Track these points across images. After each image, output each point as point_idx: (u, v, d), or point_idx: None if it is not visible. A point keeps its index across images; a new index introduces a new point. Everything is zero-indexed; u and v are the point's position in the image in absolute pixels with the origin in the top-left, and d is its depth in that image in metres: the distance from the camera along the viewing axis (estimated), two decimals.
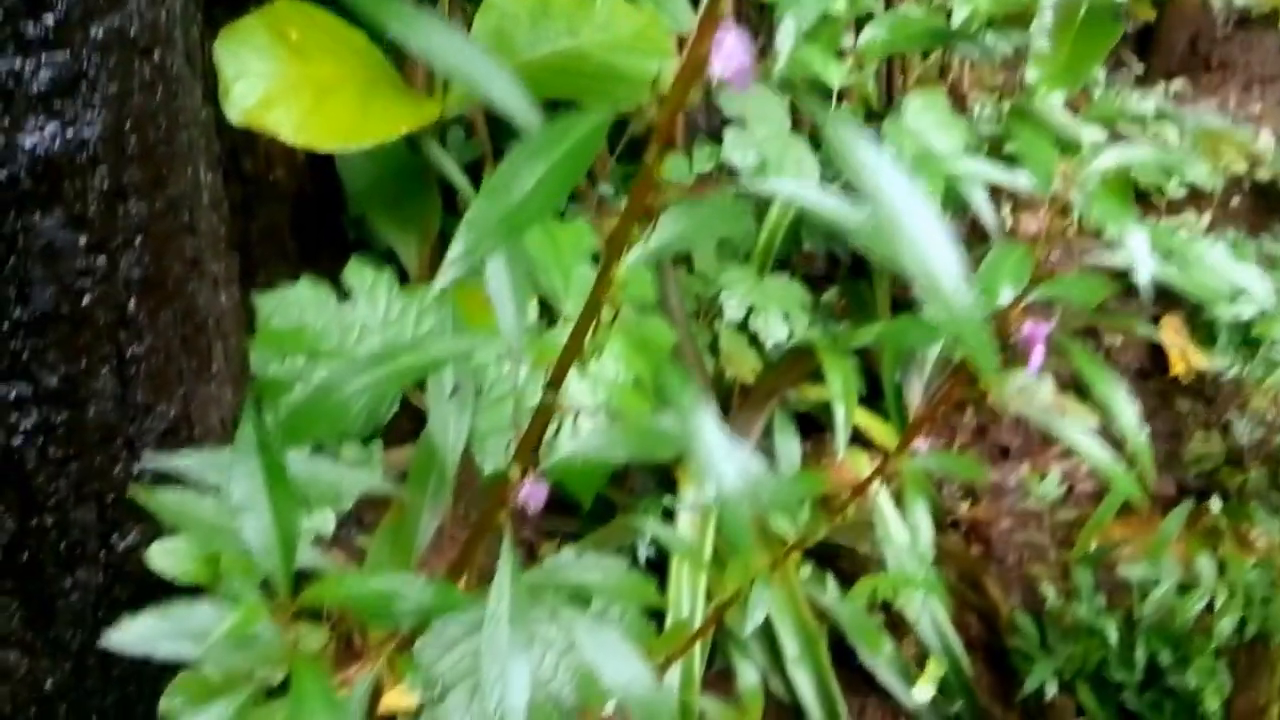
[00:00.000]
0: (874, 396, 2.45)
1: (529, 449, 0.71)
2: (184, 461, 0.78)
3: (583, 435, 0.80)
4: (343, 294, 1.40)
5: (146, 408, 1.31)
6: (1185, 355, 3.26)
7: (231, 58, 1.55)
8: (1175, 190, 3.57)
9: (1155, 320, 3.34)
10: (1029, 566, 2.23)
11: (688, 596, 1.71)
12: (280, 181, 2.07)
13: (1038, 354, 1.13)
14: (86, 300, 1.23)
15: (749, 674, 1.20)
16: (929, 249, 0.55)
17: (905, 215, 0.55)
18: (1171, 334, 3.33)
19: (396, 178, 2.03)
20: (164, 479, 1.32)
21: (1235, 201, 3.94)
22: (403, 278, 2.02)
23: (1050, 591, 2.03)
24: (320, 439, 1.19)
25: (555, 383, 0.67)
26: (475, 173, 2.04)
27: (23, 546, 1.27)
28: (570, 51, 1.93)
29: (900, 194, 0.56)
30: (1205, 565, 1.82)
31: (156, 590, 1.29)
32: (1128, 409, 1.17)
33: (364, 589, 0.64)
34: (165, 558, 1.27)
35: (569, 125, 0.55)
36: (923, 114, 1.94)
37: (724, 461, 0.57)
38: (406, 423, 1.88)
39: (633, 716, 0.78)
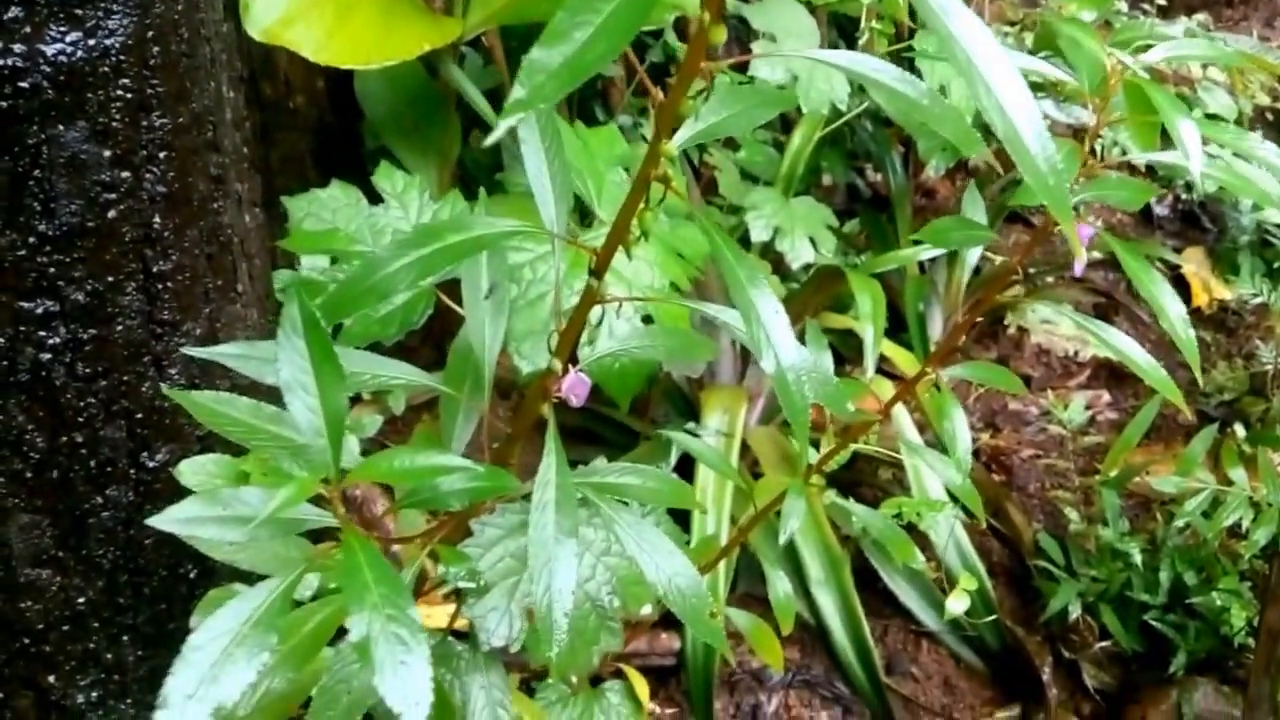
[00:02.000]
0: (896, 330, 2.44)
1: (571, 338, 0.70)
2: (226, 351, 0.77)
3: (621, 335, 0.79)
4: (374, 199, 1.38)
5: (173, 325, 1.30)
6: (1207, 286, 3.24)
7: None
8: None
9: (1176, 253, 3.32)
10: (1051, 493, 2.22)
11: (713, 516, 1.71)
12: (300, 109, 2.05)
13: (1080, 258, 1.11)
14: (112, 215, 1.21)
15: (780, 584, 1.20)
16: (1010, 98, 0.54)
17: (986, 65, 0.54)
18: (1194, 264, 3.30)
19: (415, 104, 2.01)
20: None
21: (1257, 133, 3.87)
22: None
23: (1073, 516, 2.03)
24: (360, 337, 1.18)
25: (600, 269, 0.66)
26: (494, 100, 2.02)
27: (53, 464, 1.27)
28: None
29: (982, 44, 0.54)
30: (1238, 478, 1.81)
31: None
32: (1174, 304, 1.15)
33: (414, 464, 0.63)
34: (196, 474, 1.26)
35: None
36: None
37: (783, 334, 0.56)
38: (430, 352, 1.87)
39: (675, 608, 0.78)
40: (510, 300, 0.80)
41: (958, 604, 1.52)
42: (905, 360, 2.12)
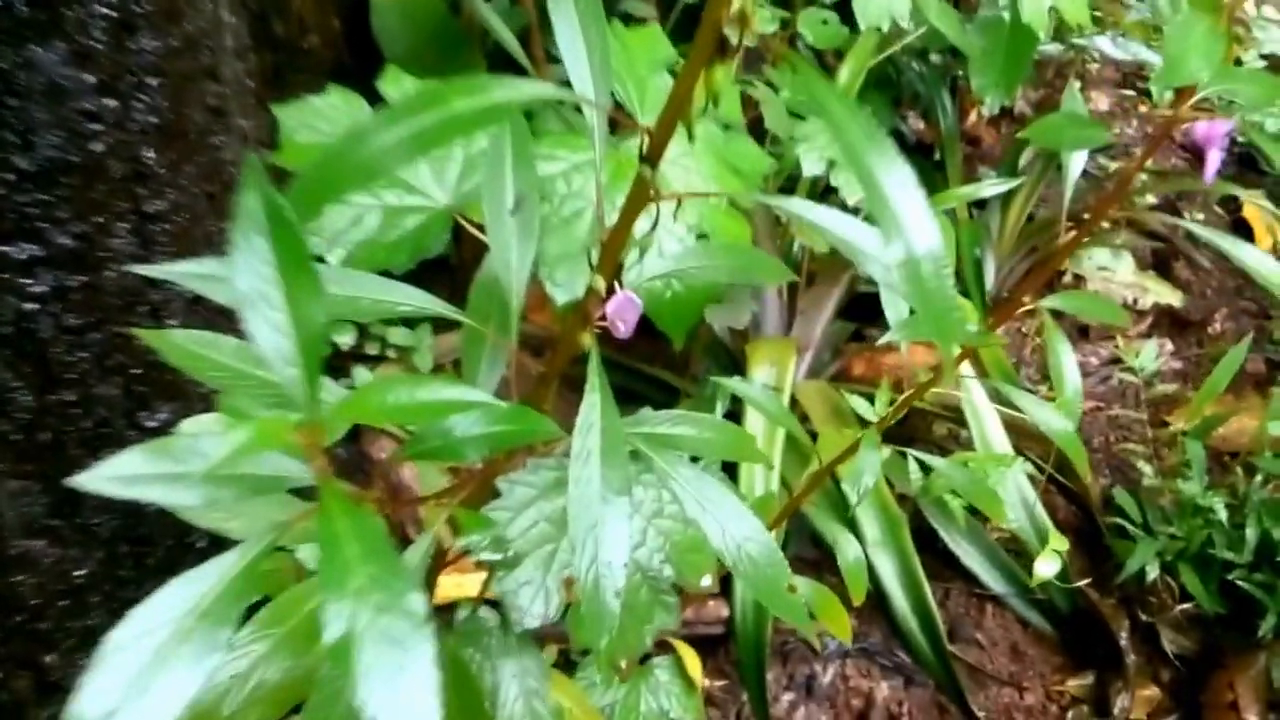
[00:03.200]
0: None
1: (618, 247, 0.57)
2: (186, 269, 0.64)
3: (673, 253, 0.66)
4: (377, 105, 1.24)
5: None
6: (1271, 230, 3.08)
7: None
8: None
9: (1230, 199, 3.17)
10: (1118, 446, 2.08)
11: (762, 477, 1.58)
12: (314, 49, 1.92)
13: (1215, 159, 0.97)
14: (97, 148, 1.09)
15: (850, 547, 1.07)
16: None
17: None
18: (1255, 209, 3.14)
19: (436, 42, 1.87)
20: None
21: None
22: None
23: (1146, 470, 1.89)
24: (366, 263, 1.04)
25: (655, 153, 0.53)
26: (523, 42, 1.89)
27: (42, 426, 1.16)
28: None
29: None
30: None
31: None
32: None
33: (416, 400, 0.49)
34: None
35: None
36: None
37: (916, 211, 0.43)
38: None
39: (746, 580, 0.65)
40: (542, 218, 0.67)
41: (1048, 566, 1.39)
42: (964, 307, 1.98)
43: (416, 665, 0.41)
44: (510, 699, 0.79)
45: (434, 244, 1.05)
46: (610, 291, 0.60)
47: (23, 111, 1.05)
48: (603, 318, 0.61)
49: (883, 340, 0.98)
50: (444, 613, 1.33)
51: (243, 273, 0.46)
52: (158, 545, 1.25)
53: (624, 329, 0.62)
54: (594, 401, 0.57)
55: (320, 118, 1.23)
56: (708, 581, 0.88)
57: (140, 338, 0.80)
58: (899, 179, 0.44)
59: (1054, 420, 1.04)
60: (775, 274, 0.71)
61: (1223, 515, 1.70)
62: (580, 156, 1.09)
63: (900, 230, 0.42)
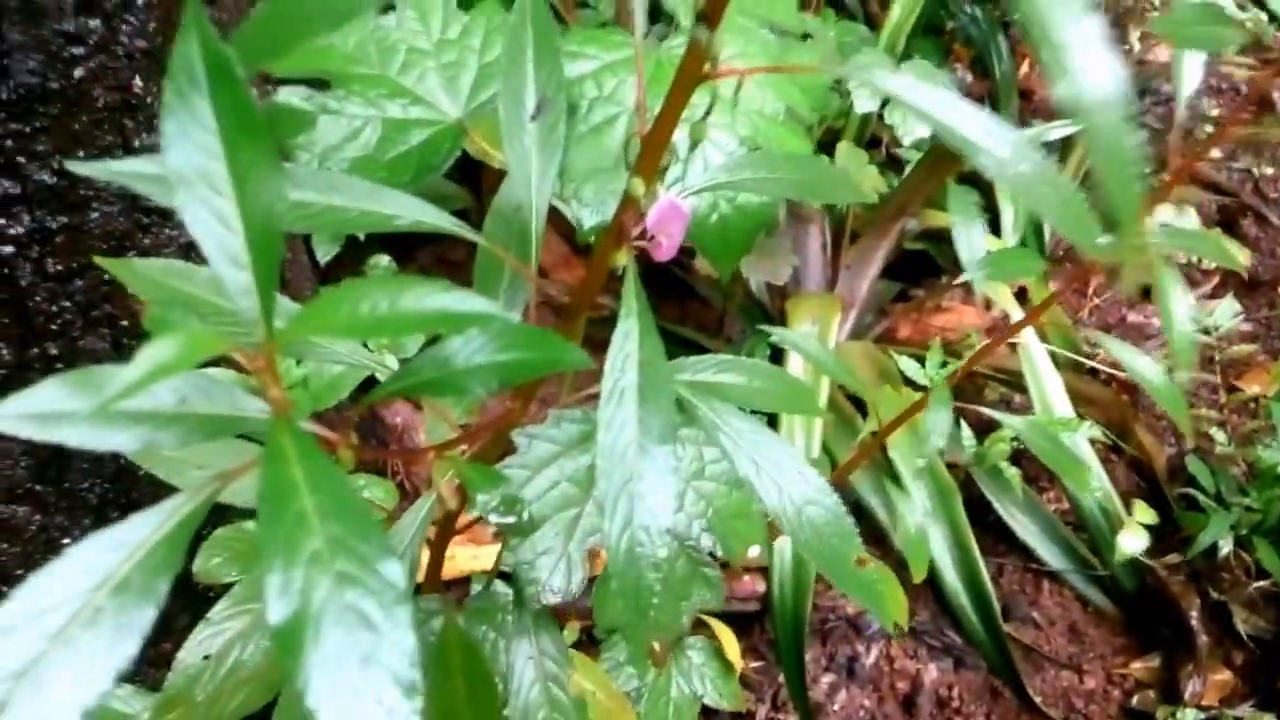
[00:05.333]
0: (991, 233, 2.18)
1: (660, 146, 0.46)
2: (117, 168, 0.53)
3: (719, 165, 0.55)
4: (385, 7, 1.10)
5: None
6: None
7: None
8: None
9: None
10: (1191, 411, 1.95)
11: (803, 441, 1.47)
12: None
13: None
14: (80, 74, 0.99)
15: (912, 516, 0.96)
16: None
17: None
18: None
19: None
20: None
21: None
22: None
23: (1220, 437, 1.76)
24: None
25: (713, 13, 0.41)
26: None
27: (23, 381, 1.05)
28: None
29: None
30: None
31: None
32: None
33: (401, 309, 0.38)
34: None
35: None
36: None
37: (1094, 45, 0.32)
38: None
39: (809, 552, 0.55)
40: (568, 126, 0.56)
41: (1134, 541, 1.27)
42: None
43: (390, 655, 0.31)
44: (525, 684, 0.68)
45: (441, 162, 0.94)
46: (652, 197, 0.49)
47: None
48: (642, 234, 0.50)
49: (960, 280, 0.86)
50: (458, 588, 1.22)
51: (176, 145, 0.35)
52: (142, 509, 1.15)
53: (667, 246, 0.51)
54: (629, 329, 0.46)
55: None
56: (755, 552, 0.77)
57: (105, 267, 0.70)
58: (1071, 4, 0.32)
59: (1150, 371, 0.93)
60: (847, 192, 0.60)
61: None
62: (614, 55, 0.95)
63: (1073, 66, 0.31)
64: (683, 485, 0.74)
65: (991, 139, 0.40)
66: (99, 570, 0.37)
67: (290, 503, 0.34)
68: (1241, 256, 2.59)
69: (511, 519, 0.49)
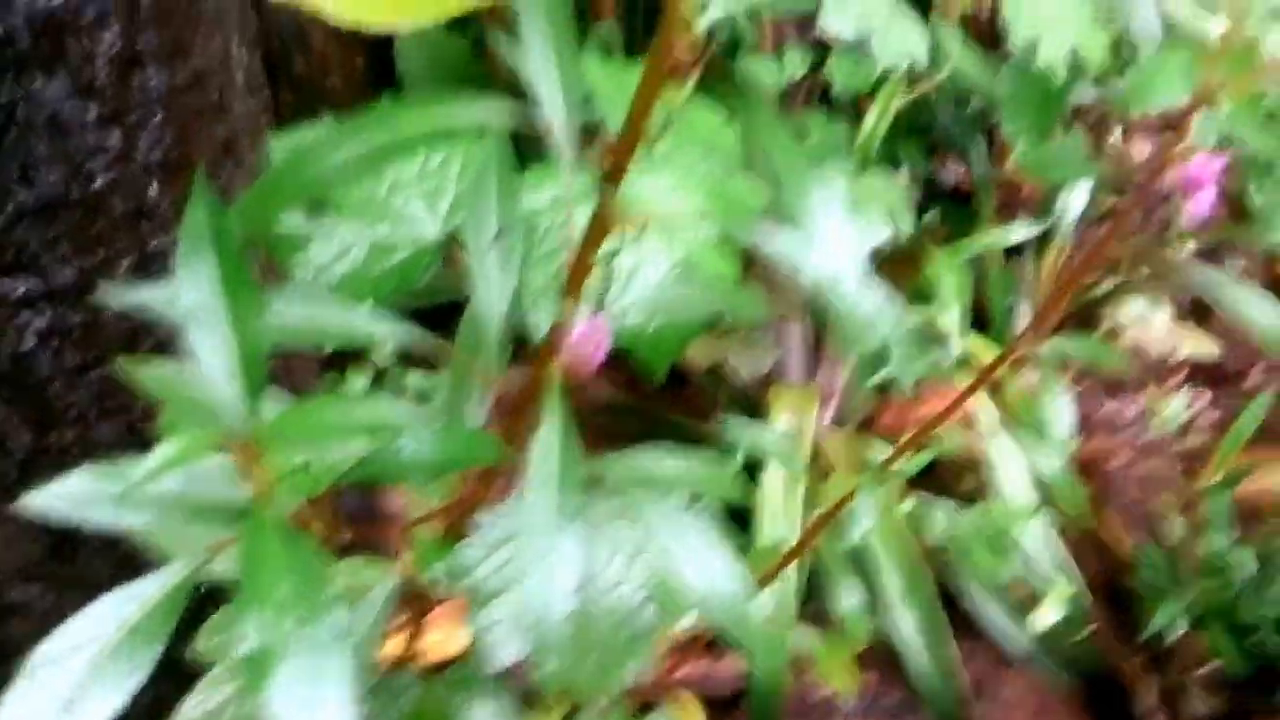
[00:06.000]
0: (979, 329, 2.27)
1: (581, 274, 0.55)
2: (142, 295, 0.63)
3: (655, 283, 0.64)
4: None
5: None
6: None
7: None
8: None
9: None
10: (1152, 500, 2.03)
11: (783, 525, 1.55)
12: (336, 90, 1.93)
13: (1206, 198, 0.94)
14: (100, 184, 1.09)
15: (849, 596, 1.04)
16: None
17: None
18: None
19: (461, 83, 1.88)
20: None
21: None
22: None
23: (1177, 524, 1.83)
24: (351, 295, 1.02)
25: (613, 176, 0.51)
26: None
27: (40, 466, 1.15)
28: None
29: None
30: None
31: None
32: None
33: (355, 419, 0.48)
34: None
35: None
36: None
37: (834, 225, 0.40)
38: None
39: (714, 617, 0.62)
40: (526, 251, 0.66)
41: (1049, 615, 1.35)
42: (991, 356, 1.95)
43: (334, 672, 0.40)
44: None
45: (420, 278, 1.04)
46: (577, 319, 0.58)
47: (24, 145, 1.05)
48: (570, 346, 0.59)
49: (879, 376, 0.95)
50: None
51: (186, 289, 0.45)
52: None
53: (589, 360, 0.59)
54: (551, 425, 0.55)
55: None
56: (691, 622, 0.85)
57: (123, 367, 0.79)
58: (823, 195, 0.42)
59: (1045, 460, 1.01)
60: (756, 309, 0.68)
61: (1250, 571, 1.64)
62: (567, 190, 1.07)
63: (814, 242, 0.40)
64: (627, 561, 0.82)
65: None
66: (118, 617, 0.45)
67: (265, 565, 0.42)
68: (1211, 349, 2.68)
69: (468, 589, 0.57)
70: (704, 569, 0.64)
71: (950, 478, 2.03)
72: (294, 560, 0.42)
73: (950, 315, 1.40)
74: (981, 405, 1.91)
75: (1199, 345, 2.70)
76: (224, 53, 1.23)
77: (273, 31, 1.69)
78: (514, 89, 1.73)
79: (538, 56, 0.54)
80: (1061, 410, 0.99)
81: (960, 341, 1.65)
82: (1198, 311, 2.82)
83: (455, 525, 0.69)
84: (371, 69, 1.96)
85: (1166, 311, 2.74)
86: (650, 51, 0.49)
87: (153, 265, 1.15)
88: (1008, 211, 2.93)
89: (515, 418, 0.62)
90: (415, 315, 1.17)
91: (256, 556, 0.42)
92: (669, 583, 0.77)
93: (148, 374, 0.68)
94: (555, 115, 0.54)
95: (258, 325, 0.45)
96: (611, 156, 0.51)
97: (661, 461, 0.71)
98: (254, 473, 0.47)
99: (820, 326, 1.97)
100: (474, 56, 1.93)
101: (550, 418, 0.55)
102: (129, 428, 1.19)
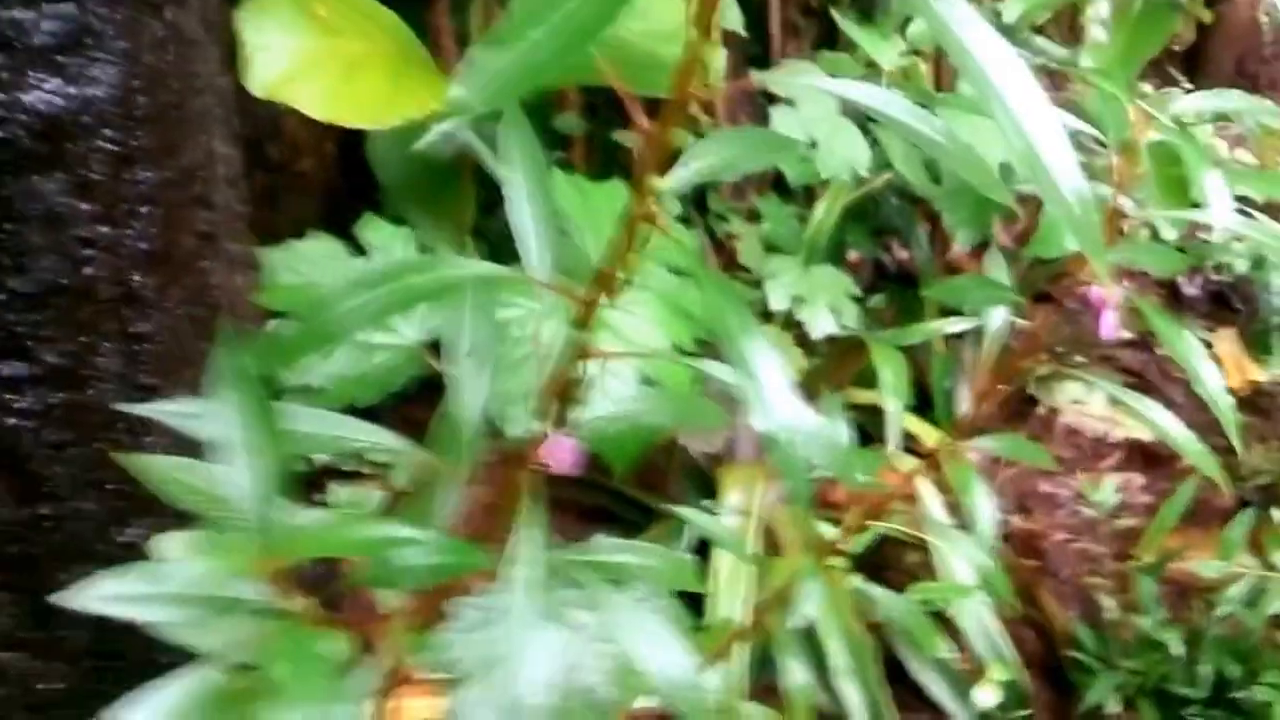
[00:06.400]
0: (924, 409, 2.34)
1: (551, 396, 0.61)
2: (163, 409, 0.69)
3: (619, 398, 0.71)
4: (358, 250, 1.30)
5: (153, 390, 1.22)
6: (1240, 367, 3.15)
7: (254, 29, 1.48)
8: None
9: (1209, 332, 3.24)
10: (1085, 579, 2.11)
11: (731, 601, 1.61)
12: (308, 173, 1.99)
13: (1108, 319, 1.03)
14: (88, 272, 1.15)
15: (796, 673, 1.11)
16: (1035, 127, 0.46)
17: (1008, 89, 0.46)
18: (1226, 345, 3.21)
19: (428, 170, 1.95)
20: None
21: None
22: None
23: (1109, 603, 1.91)
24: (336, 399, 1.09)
25: (583, 318, 0.58)
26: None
27: (18, 538, 1.19)
28: (610, 40, 1.82)
29: (1002, 67, 0.47)
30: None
31: None
32: (1212, 375, 1.07)
33: (360, 536, 0.55)
34: (170, 552, 1.18)
35: None
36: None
37: (777, 386, 0.48)
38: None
39: (666, 701, 0.69)
40: (498, 358, 0.72)
41: (986, 696, 1.42)
42: (934, 438, 2.02)
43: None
44: None
45: (400, 380, 1.11)
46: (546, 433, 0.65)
47: (19, 236, 1.10)
48: (540, 456, 0.66)
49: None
50: None
51: (214, 422, 0.51)
52: (126, 659, 1.27)
53: (561, 468, 0.66)
54: (527, 535, 0.61)
55: (303, 261, 1.29)
56: (646, 702, 0.90)
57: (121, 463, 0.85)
58: (766, 358, 0.49)
59: (972, 552, 1.09)
60: (714, 420, 0.76)
61: (1178, 650, 1.72)
62: (537, 304, 1.15)
63: (763, 402, 0.47)
64: (586, 646, 0.87)
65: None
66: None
67: (293, 661, 0.48)
68: (1145, 432, 2.78)
69: (449, 674, 0.63)
70: (660, 657, 0.70)
71: (897, 554, 2.11)
72: (315, 655, 0.48)
73: (891, 404, 1.48)
74: (923, 486, 1.99)
75: (1134, 428, 2.80)
76: (208, 149, 1.29)
77: (248, 119, 1.76)
78: (477, 171, 1.80)
79: (517, 201, 0.61)
80: (983, 506, 1.07)
81: (900, 427, 1.73)
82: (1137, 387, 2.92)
83: (431, 611, 0.74)
84: (342, 154, 2.03)
85: (1101, 398, 2.85)
86: (622, 216, 0.56)
87: (135, 348, 1.21)
88: (950, 303, 3.03)
89: (492, 517, 0.68)
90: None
91: (285, 653, 0.48)
92: (628, 667, 0.83)
93: (150, 466, 0.73)
94: (530, 254, 0.61)
95: (273, 456, 0.51)
96: (583, 305, 0.58)
97: (618, 553, 0.78)
98: (274, 580, 0.53)
99: None
100: (439, 140, 2.01)
101: (528, 524, 0.61)
102: (104, 503, 1.23)
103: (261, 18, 1.50)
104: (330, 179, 2.05)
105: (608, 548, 0.80)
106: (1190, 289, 3.45)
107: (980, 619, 1.82)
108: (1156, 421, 1.08)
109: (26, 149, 1.08)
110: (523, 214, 0.62)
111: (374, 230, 1.35)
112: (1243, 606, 1.74)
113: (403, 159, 1.96)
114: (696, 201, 2.21)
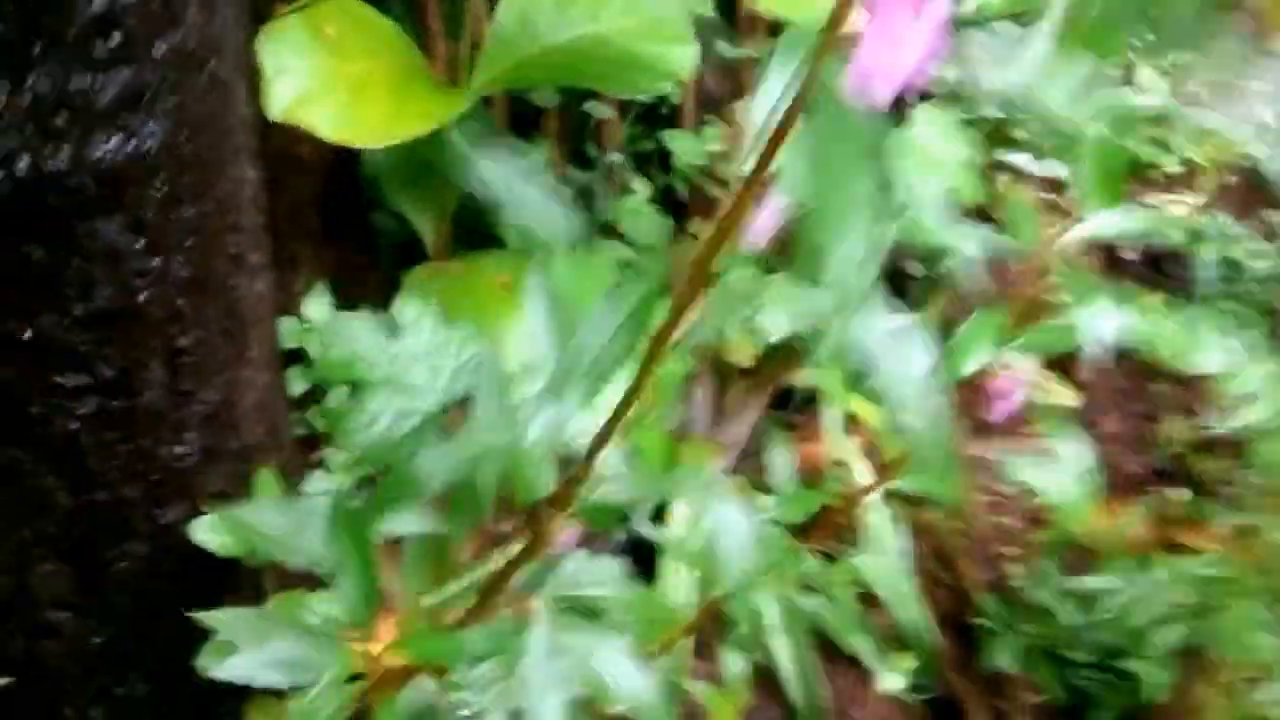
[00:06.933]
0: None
1: (563, 506, 0.82)
2: (250, 515, 0.89)
3: (613, 479, 0.91)
4: (392, 323, 1.50)
5: (191, 394, 1.41)
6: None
7: (272, 55, 1.64)
8: (1174, 167, 3.60)
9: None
10: (1000, 547, 2.36)
11: (678, 584, 1.84)
12: (305, 156, 2.15)
13: (1004, 407, 1.24)
14: (141, 299, 1.32)
15: (735, 662, 1.33)
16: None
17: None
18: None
19: (413, 157, 2.12)
20: (212, 456, 1.45)
21: (1232, 180, 4.03)
22: (422, 254, 2.13)
23: (1016, 571, 2.17)
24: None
25: (592, 454, 0.78)
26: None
27: (75, 522, 1.39)
28: (592, 37, 1.99)
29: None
30: (1160, 573, 1.96)
31: (197, 560, 1.42)
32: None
33: (447, 645, 0.75)
34: (207, 532, 1.39)
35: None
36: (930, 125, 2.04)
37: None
38: None
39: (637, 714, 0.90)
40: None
41: (892, 679, 1.66)
42: (873, 415, 2.25)
43: None
44: None
45: (429, 439, 1.31)
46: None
47: (84, 270, 1.28)
48: None
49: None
50: None
51: (328, 552, 0.71)
52: (163, 621, 1.48)
53: (564, 548, 0.87)
54: (541, 622, 0.82)
55: (346, 337, 1.46)
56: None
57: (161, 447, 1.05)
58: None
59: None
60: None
61: (1070, 619, 1.98)
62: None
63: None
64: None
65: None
66: None
67: None
68: (1070, 398, 3.01)
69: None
70: (626, 679, 0.91)
71: (833, 520, 2.35)
72: None
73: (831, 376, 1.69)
74: (857, 460, 2.22)
75: (1061, 394, 3.03)
76: (239, 178, 1.46)
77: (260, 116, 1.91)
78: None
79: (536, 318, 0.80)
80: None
81: (842, 401, 1.95)
82: (1063, 362, 3.15)
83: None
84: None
85: (1034, 361, 3.07)
86: (636, 376, 0.75)
87: (178, 360, 1.39)
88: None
89: (494, 587, 0.89)
90: None
91: None
92: (599, 685, 1.05)
93: (230, 519, 0.93)
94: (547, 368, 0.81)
95: (374, 579, 0.71)
96: (593, 443, 0.78)
97: (597, 586, 0.99)
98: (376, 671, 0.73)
99: (723, 384, 2.26)
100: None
101: (539, 617, 0.82)
102: (147, 490, 1.43)
103: (277, 44, 1.66)
104: (324, 159, 2.21)
105: (586, 575, 1.01)
106: (1129, 253, 3.67)
107: (898, 585, 2.07)
108: (1033, 482, 1.29)
109: (92, 196, 1.25)
110: (540, 322, 0.80)
111: (407, 308, 1.53)
112: (1130, 590, 2.00)
113: (390, 149, 2.13)
114: None
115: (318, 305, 2.04)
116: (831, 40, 0.54)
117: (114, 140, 1.26)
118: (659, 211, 2.40)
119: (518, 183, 2.02)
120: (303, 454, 1.78)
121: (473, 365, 1.00)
